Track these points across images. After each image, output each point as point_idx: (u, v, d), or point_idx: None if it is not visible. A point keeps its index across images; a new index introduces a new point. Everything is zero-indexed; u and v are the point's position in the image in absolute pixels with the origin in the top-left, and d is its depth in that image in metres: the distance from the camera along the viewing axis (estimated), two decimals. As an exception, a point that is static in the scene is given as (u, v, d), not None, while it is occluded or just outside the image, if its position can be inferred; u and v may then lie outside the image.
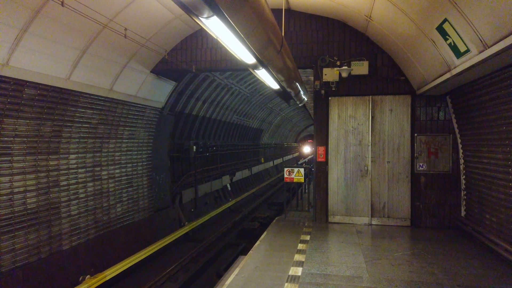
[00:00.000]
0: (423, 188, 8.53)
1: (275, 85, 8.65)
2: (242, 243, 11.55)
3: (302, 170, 9.51)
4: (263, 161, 25.58)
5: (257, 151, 26.08)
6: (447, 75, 6.13)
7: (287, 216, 9.84)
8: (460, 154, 8.16)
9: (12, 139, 6.33)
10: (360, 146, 8.87)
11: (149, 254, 9.71)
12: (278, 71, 6.36)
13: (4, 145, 6.22)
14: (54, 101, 6.92)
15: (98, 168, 8.68)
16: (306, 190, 12.86)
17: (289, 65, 6.59)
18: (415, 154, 8.55)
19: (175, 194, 12.74)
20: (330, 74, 8.68)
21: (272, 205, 17.96)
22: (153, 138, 10.95)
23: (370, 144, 8.81)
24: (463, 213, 8.12)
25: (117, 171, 9.37)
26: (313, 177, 10.18)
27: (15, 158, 6.43)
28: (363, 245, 7.10)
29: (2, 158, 6.21)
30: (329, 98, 8.99)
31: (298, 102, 12.78)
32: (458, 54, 5.41)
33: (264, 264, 6.08)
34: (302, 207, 10.80)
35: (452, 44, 5.40)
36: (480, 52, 4.82)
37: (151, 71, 9.45)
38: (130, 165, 9.94)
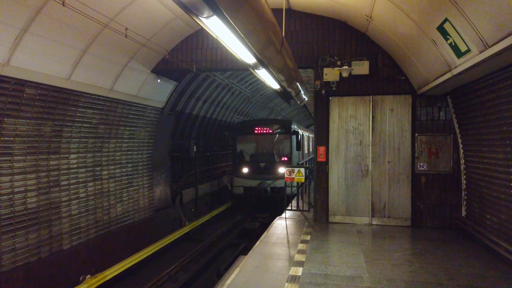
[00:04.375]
0: (424, 188, 8.51)
1: (275, 85, 8.64)
2: (243, 243, 11.55)
3: (302, 170, 9.50)
4: None
5: None
6: (448, 75, 6.12)
7: (287, 216, 9.83)
8: (461, 154, 8.15)
9: (12, 138, 6.34)
10: (360, 146, 8.86)
11: (150, 254, 9.72)
12: (278, 71, 6.35)
13: (5, 145, 6.23)
14: (54, 101, 6.93)
15: (99, 168, 8.68)
16: (307, 190, 12.86)
17: (290, 65, 6.59)
18: (416, 154, 8.54)
19: (175, 194, 12.74)
20: (330, 74, 8.67)
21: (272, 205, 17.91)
22: (154, 138, 10.95)
23: (370, 144, 8.80)
24: (463, 213, 8.10)
25: (117, 170, 9.37)
26: (313, 177, 10.18)
27: (15, 158, 6.44)
28: (364, 245, 7.09)
29: (3, 158, 6.22)
30: (330, 98, 8.98)
31: (298, 102, 12.79)
32: (459, 54, 5.40)
33: (264, 264, 6.08)
34: (303, 207, 10.79)
35: (453, 44, 5.38)
36: (480, 52, 4.81)
37: (151, 71, 9.46)
38: (130, 165, 9.94)
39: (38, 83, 6.42)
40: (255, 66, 6.21)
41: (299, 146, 14.44)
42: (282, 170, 13.44)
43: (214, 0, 3.12)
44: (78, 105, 7.57)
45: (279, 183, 13.65)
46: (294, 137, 14.54)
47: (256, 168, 14.51)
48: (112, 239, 9.06)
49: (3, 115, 6.03)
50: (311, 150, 21.83)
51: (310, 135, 21.62)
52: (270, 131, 14.62)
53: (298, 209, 10.71)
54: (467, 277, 5.48)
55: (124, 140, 9.57)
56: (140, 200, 10.37)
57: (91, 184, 8.43)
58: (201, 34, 9.42)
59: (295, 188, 12.16)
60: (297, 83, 8.71)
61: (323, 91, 8.89)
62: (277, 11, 8.29)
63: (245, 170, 14.64)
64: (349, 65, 8.45)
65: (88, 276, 7.63)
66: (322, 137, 9.05)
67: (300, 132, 15.87)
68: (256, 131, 14.78)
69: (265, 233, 8.11)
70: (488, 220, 6.84)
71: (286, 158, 14.42)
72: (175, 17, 8.23)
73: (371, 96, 8.78)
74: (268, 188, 13.90)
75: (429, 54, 6.50)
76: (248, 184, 14.29)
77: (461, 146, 8.13)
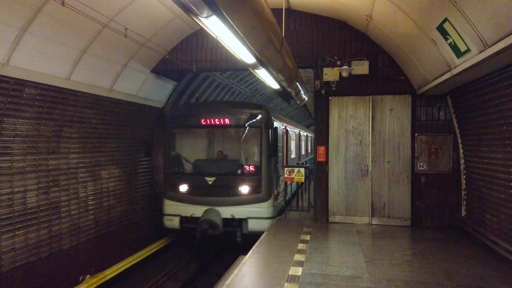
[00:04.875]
0: (424, 188, 8.51)
1: (275, 85, 8.64)
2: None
3: (302, 170, 9.50)
4: None
5: None
6: (448, 75, 6.12)
7: (287, 216, 9.83)
8: (461, 154, 8.14)
9: (12, 138, 6.33)
10: (360, 146, 8.86)
11: (150, 254, 9.70)
12: (278, 70, 6.35)
13: (4, 145, 6.22)
14: (54, 101, 6.92)
15: (98, 168, 8.67)
16: (307, 190, 12.85)
17: (289, 65, 6.59)
18: (416, 154, 8.54)
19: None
20: (330, 74, 8.67)
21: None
22: (154, 138, 10.94)
23: (370, 144, 8.80)
24: (463, 213, 8.10)
25: (117, 170, 9.36)
26: (313, 177, 10.17)
27: (15, 158, 6.44)
28: (363, 245, 7.09)
29: (2, 158, 6.21)
30: (330, 97, 8.98)
31: (298, 102, 12.78)
32: (459, 53, 5.40)
33: (264, 264, 6.07)
34: (302, 207, 10.79)
35: (453, 43, 5.38)
36: (480, 52, 4.81)
37: (151, 71, 9.45)
38: (130, 164, 9.93)
39: (38, 83, 6.40)
40: (255, 66, 6.21)
41: (275, 148, 9.37)
42: (245, 189, 8.87)
43: (213, 0, 3.12)
44: (77, 105, 7.55)
45: (241, 212, 8.74)
46: (267, 133, 9.02)
47: (201, 185, 9.03)
48: (112, 239, 9.05)
49: (2, 115, 6.02)
50: (303, 153, 17.08)
51: (302, 132, 16.87)
52: (227, 122, 9.16)
53: (298, 209, 10.72)
54: (466, 277, 5.48)
55: (124, 140, 9.56)
56: (139, 200, 10.36)
57: (91, 184, 8.43)
58: (201, 34, 9.42)
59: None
60: (297, 83, 8.70)
61: (323, 91, 8.89)
62: (276, 11, 8.29)
63: (182, 188, 9.17)
64: (349, 65, 8.44)
65: (88, 276, 7.62)
66: (322, 137, 9.04)
67: (281, 126, 10.76)
68: (203, 123, 9.22)
69: (265, 233, 8.11)
70: (488, 220, 6.84)
71: (253, 169, 9.09)
72: (175, 17, 8.22)
73: (371, 96, 8.78)
74: (220, 221, 8.58)
75: (429, 54, 6.50)
76: (187, 213, 8.95)
77: (461, 146, 8.12)
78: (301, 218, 9.62)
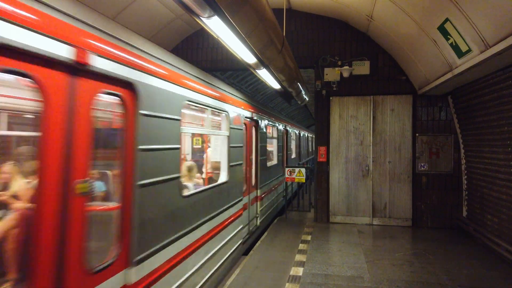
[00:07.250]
0: (425, 188, 8.51)
1: (276, 85, 8.63)
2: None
3: (303, 170, 9.50)
4: None
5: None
6: (449, 75, 6.12)
7: (288, 216, 9.83)
8: (462, 154, 8.14)
9: None
10: (361, 146, 8.86)
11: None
12: (279, 71, 6.35)
13: None
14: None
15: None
16: (307, 190, 12.84)
17: (290, 65, 6.58)
18: (417, 154, 8.53)
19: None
20: (331, 74, 8.67)
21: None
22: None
23: (371, 144, 8.79)
24: (464, 213, 8.10)
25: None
26: (314, 177, 10.17)
27: None
28: (364, 245, 7.09)
29: None
30: (330, 98, 8.98)
31: (299, 102, 12.77)
32: (460, 53, 5.39)
33: (265, 264, 6.07)
34: (303, 207, 10.79)
35: (454, 43, 5.38)
36: (481, 52, 4.81)
37: (152, 71, 9.45)
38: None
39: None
40: (256, 66, 6.21)
41: None
42: None
43: (215, 0, 3.12)
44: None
45: None
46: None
47: None
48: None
49: None
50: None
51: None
52: None
53: (298, 209, 10.71)
54: (468, 277, 5.47)
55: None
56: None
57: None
58: (201, 34, 9.42)
59: None
60: (298, 83, 8.70)
61: (324, 91, 8.89)
62: (277, 11, 8.29)
63: None
64: (350, 65, 8.44)
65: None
66: (322, 137, 9.05)
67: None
68: None
69: (265, 233, 8.11)
70: (488, 221, 6.84)
71: None
72: (175, 17, 8.23)
73: (372, 96, 8.78)
74: None
75: (430, 54, 6.50)
76: None
77: (462, 146, 8.12)
78: (302, 218, 9.62)
